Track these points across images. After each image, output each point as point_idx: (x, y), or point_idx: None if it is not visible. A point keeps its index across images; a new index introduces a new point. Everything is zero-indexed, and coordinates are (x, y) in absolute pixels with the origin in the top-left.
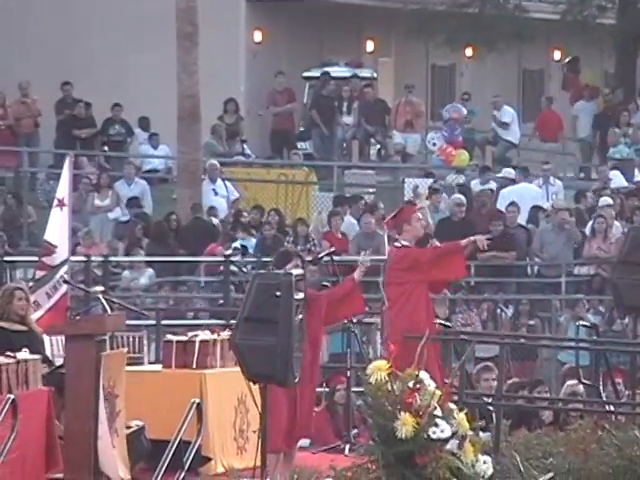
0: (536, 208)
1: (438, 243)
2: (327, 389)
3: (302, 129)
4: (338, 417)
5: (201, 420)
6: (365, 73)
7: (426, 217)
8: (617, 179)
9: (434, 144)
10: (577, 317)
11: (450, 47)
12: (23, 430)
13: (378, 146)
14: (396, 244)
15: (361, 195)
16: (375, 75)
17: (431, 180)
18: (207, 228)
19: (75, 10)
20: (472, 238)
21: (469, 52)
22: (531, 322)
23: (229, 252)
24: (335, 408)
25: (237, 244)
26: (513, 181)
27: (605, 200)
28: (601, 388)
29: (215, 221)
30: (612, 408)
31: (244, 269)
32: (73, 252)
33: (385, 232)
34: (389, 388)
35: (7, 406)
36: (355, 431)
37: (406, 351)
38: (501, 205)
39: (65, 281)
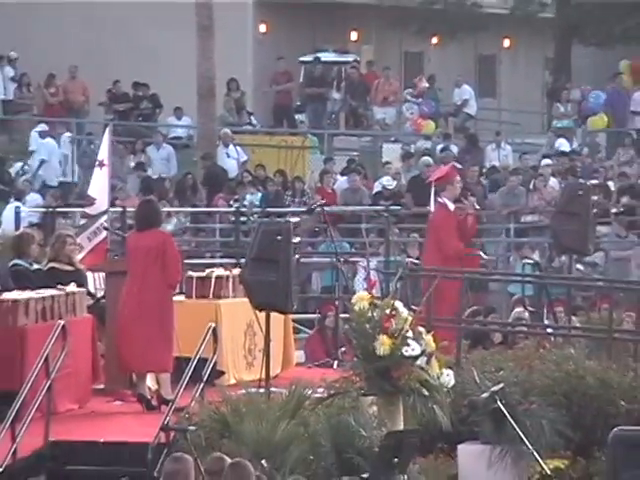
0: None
1: (474, 199)
2: (319, 316)
3: (299, 104)
4: (328, 339)
5: (216, 341)
6: (349, 58)
7: None
8: (563, 145)
9: (412, 113)
10: (523, 256)
11: (419, 36)
12: (72, 350)
13: (361, 117)
14: (439, 200)
15: (351, 158)
16: (358, 59)
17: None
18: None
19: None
20: None
21: (435, 41)
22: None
23: (238, 204)
24: (325, 332)
25: (248, 199)
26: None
27: (546, 161)
28: (544, 315)
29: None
30: (551, 331)
31: (251, 218)
32: (112, 204)
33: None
34: (370, 315)
35: (58, 330)
36: (342, 350)
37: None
38: None
39: (105, 228)
